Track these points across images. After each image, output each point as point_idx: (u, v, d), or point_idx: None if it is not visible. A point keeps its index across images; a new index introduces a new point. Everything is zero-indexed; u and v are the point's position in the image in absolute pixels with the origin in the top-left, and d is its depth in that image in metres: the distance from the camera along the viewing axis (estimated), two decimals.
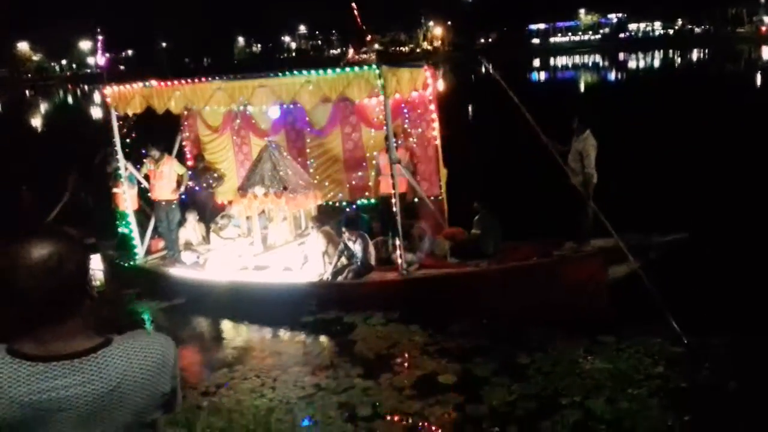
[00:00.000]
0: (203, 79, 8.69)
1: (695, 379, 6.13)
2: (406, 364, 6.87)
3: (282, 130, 10.17)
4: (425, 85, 8.96)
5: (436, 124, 9.34)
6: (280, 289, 8.53)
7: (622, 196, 10.19)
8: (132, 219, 9.60)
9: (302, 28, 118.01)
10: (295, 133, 10.28)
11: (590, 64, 72.32)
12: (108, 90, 9.17)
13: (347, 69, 7.94)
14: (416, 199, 9.44)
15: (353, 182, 10.36)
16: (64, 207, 10.13)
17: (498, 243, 8.78)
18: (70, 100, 69.42)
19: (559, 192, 8.60)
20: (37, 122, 46.16)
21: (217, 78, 8.58)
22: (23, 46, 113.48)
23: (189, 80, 8.72)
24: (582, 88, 44.21)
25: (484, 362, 6.66)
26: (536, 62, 78.39)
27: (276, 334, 8.00)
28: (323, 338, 7.78)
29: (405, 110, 9.50)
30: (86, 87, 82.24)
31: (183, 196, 10.00)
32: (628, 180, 11.94)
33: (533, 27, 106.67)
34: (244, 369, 6.95)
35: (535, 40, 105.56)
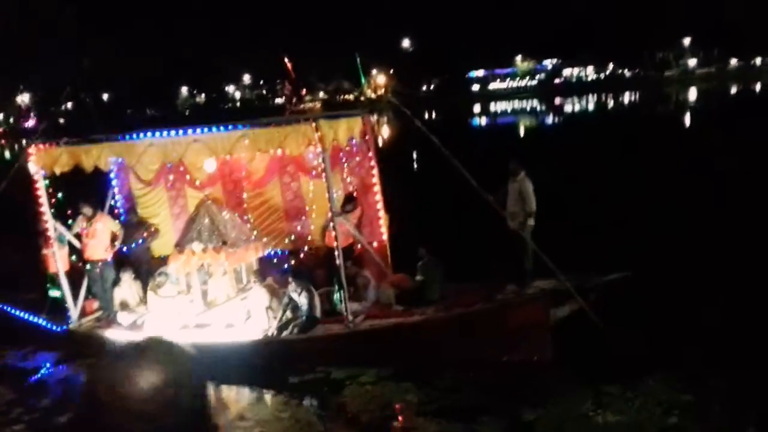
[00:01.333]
0: (134, 135, 8.49)
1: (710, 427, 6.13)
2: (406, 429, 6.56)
3: (219, 182, 9.98)
4: (363, 132, 9.04)
5: (375, 171, 9.40)
6: (228, 348, 8.23)
7: (561, 237, 10.36)
8: (63, 281, 9.18)
9: (246, 78, 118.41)
10: (232, 184, 10.11)
11: (528, 109, 74.69)
12: (33, 149, 8.84)
13: (284, 124, 7.88)
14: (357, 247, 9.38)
15: (295, 231, 10.22)
16: None
17: (443, 288, 8.75)
18: (6, 155, 67.17)
19: (498, 234, 8.68)
20: None
21: (149, 133, 8.40)
22: None
23: (120, 137, 8.51)
24: (521, 131, 45.46)
25: (489, 421, 6.42)
26: (477, 108, 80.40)
27: (260, 398, 7.55)
28: (311, 401, 7.38)
29: (343, 159, 9.50)
30: (24, 142, 79.96)
31: (125, 250, 9.67)
32: (566, 221, 12.16)
33: (473, 74, 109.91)
34: None
35: (475, 87, 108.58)
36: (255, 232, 9.63)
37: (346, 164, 9.58)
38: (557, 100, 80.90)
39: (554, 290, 8.12)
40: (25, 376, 8.57)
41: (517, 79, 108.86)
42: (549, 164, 16.28)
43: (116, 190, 10.35)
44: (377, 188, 9.53)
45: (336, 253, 8.14)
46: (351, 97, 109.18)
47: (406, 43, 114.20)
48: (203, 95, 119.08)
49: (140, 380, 1.56)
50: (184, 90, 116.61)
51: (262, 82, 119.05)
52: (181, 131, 8.23)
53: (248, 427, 6.83)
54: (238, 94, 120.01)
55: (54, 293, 9.46)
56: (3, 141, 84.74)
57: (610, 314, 8.18)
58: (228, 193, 10.13)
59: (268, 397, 7.58)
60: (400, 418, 6.77)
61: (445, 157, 7.72)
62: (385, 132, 55.85)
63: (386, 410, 6.88)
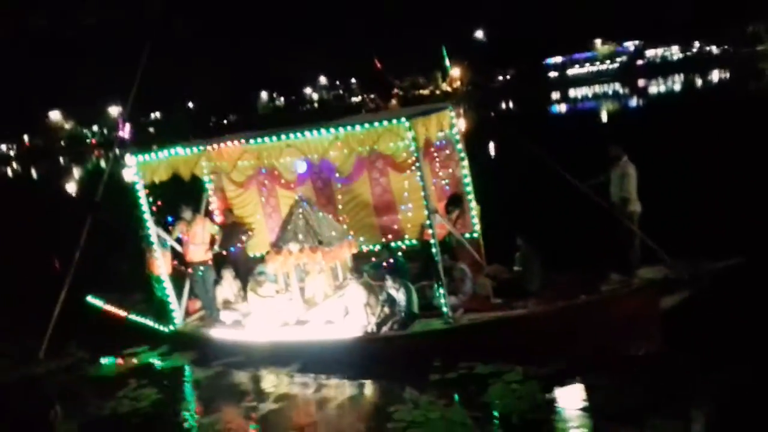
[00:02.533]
0: (228, 143, 8.62)
1: None
2: None
3: (308, 180, 10.08)
4: (450, 124, 8.93)
5: (464, 162, 9.26)
6: (330, 344, 8.35)
7: (667, 222, 9.88)
8: (168, 283, 9.51)
9: (323, 79, 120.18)
10: (321, 182, 10.19)
11: (610, 93, 72.07)
12: (132, 161, 9.16)
13: (376, 123, 7.82)
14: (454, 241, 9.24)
15: (385, 225, 10.22)
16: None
17: (542, 278, 8.51)
18: (102, 164, 70.87)
19: (596, 221, 8.37)
20: (71, 188, 47.15)
21: (242, 140, 8.54)
22: (55, 115, 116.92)
23: (215, 144, 8.68)
24: (604, 117, 43.87)
25: (662, 424, 6.08)
26: (555, 95, 78.39)
27: (400, 395, 7.37)
28: (459, 399, 7.14)
29: (434, 153, 9.40)
30: (117, 151, 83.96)
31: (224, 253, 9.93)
32: (671, 206, 11.62)
33: (550, 61, 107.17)
34: None
35: (553, 74, 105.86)
36: (347, 230, 9.67)
37: (437, 158, 9.48)
38: (641, 83, 77.72)
39: (663, 279, 7.77)
40: (142, 373, 8.95)
41: (597, 63, 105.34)
42: (640, 148, 15.57)
43: (211, 192, 10.64)
44: (468, 180, 9.39)
45: (433, 249, 8.03)
46: (426, 91, 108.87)
47: (479, 34, 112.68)
48: (282, 99, 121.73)
49: None
50: (264, 95, 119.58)
51: (337, 82, 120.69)
52: (275, 136, 8.31)
53: (400, 428, 6.66)
54: (315, 96, 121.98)
55: (158, 295, 9.80)
56: (98, 152, 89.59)
57: (722, 302, 7.78)
58: (318, 191, 10.22)
59: (408, 393, 7.37)
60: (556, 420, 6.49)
61: (538, 154, 7.50)
62: (462, 124, 55.45)
63: (536, 412, 6.60)
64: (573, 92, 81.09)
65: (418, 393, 7.27)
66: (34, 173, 74.27)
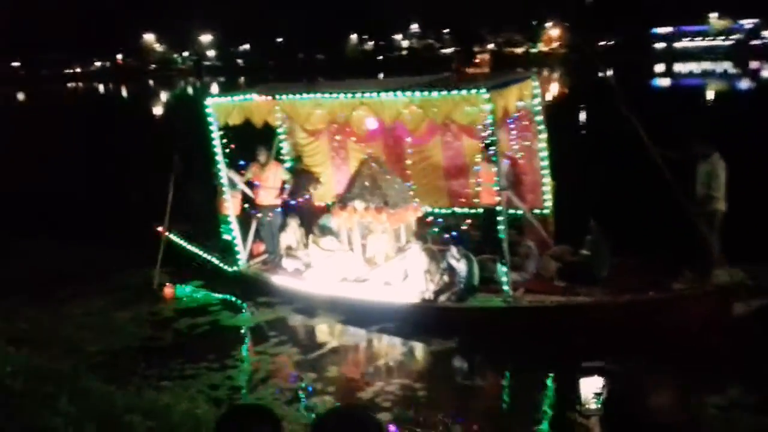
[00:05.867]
0: (303, 94, 8.63)
1: None
2: None
3: (380, 138, 9.94)
4: (532, 95, 8.56)
5: (543, 135, 8.90)
6: (386, 306, 8.37)
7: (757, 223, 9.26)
8: (234, 225, 9.68)
9: (414, 27, 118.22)
10: (393, 140, 10.06)
11: (718, 72, 67.69)
12: (210, 101, 9.28)
13: (454, 92, 7.54)
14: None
15: (454, 190, 10.05)
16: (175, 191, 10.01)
17: (609, 265, 8.18)
18: (189, 91, 72.85)
19: (680, 212, 7.87)
20: (157, 111, 48.75)
21: (318, 93, 8.51)
22: (149, 37, 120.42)
23: (289, 95, 8.68)
24: (710, 96, 41.27)
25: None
26: (659, 67, 74.31)
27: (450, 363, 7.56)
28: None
29: (511, 123, 9.06)
30: (205, 79, 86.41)
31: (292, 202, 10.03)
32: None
33: (657, 30, 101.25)
34: None
35: (659, 45, 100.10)
36: (414, 195, 9.55)
37: (513, 128, 9.15)
38: (753, 64, 72.54)
39: (739, 284, 7.30)
40: (197, 311, 9.22)
41: (709, 38, 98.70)
42: (741, 136, 14.50)
43: (283, 137, 10.66)
44: (544, 153, 9.02)
45: (500, 225, 7.80)
46: (520, 50, 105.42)
47: None
48: (371, 43, 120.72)
49: None
50: (354, 37, 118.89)
51: (429, 30, 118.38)
52: (350, 94, 8.20)
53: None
54: (405, 43, 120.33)
55: (226, 235, 10.01)
56: (190, 77, 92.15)
57: None
58: (389, 150, 10.11)
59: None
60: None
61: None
62: (555, 89, 53.58)
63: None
64: (678, 66, 76.61)
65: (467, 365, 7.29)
66: (124, 92, 77.20)
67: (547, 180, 9.20)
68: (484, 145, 8.75)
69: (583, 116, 29.20)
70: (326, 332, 8.49)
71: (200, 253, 10.24)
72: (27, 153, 23.26)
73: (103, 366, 7.06)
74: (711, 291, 7.38)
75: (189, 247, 10.33)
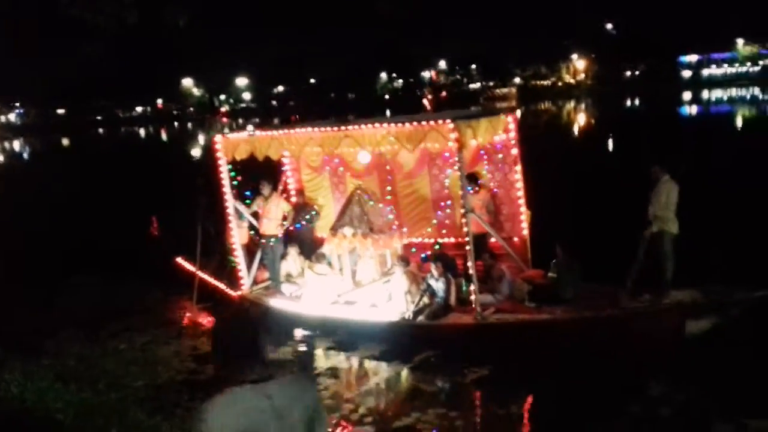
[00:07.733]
0: (296, 129, 9.64)
1: None
2: None
3: (375, 172, 10.93)
4: (507, 130, 9.40)
5: (518, 167, 9.72)
6: (369, 325, 9.21)
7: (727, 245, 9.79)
8: (239, 252, 10.68)
9: (442, 63, 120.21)
10: (386, 174, 11.01)
11: (748, 98, 67.09)
12: (218, 138, 10.41)
13: (423, 122, 8.46)
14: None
15: (441, 221, 10.90)
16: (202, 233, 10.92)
17: (576, 288, 8.80)
18: (226, 131, 74.76)
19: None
20: (195, 152, 50.61)
21: (309, 128, 9.50)
22: (187, 82, 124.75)
23: (285, 131, 9.71)
24: (739, 122, 41.12)
25: None
26: (687, 95, 74.08)
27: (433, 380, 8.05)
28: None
29: (484, 155, 9.99)
30: (240, 121, 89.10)
31: (292, 228, 10.94)
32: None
33: (684, 59, 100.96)
34: None
35: (687, 72, 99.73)
36: (396, 222, 10.44)
37: (486, 160, 10.02)
38: None
39: (692, 303, 7.90)
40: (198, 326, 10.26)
41: (737, 65, 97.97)
42: None
43: (288, 173, 11.71)
44: (519, 185, 9.84)
45: (467, 248, 8.61)
46: (547, 82, 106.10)
47: (609, 26, 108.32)
48: (400, 81, 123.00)
49: None
50: (383, 75, 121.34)
51: (457, 67, 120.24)
52: (336, 127, 9.19)
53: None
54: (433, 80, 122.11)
55: (233, 263, 10.99)
56: (225, 119, 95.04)
57: (754, 334, 7.78)
58: (383, 183, 11.03)
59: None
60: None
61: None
62: (582, 119, 53.83)
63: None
64: (707, 94, 76.27)
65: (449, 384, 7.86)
66: (164, 135, 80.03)
67: (523, 210, 9.97)
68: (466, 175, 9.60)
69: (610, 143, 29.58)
70: (319, 353, 9.21)
71: (210, 280, 11.20)
72: (71, 194, 24.89)
73: (148, 399, 7.21)
74: (662, 309, 7.98)
75: (201, 275, 11.28)
